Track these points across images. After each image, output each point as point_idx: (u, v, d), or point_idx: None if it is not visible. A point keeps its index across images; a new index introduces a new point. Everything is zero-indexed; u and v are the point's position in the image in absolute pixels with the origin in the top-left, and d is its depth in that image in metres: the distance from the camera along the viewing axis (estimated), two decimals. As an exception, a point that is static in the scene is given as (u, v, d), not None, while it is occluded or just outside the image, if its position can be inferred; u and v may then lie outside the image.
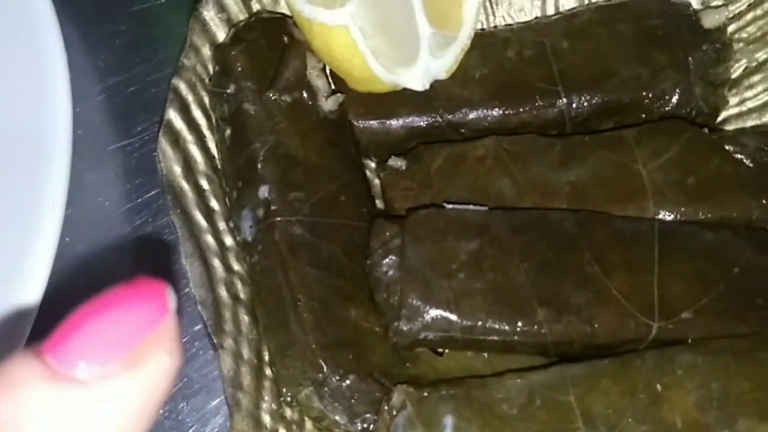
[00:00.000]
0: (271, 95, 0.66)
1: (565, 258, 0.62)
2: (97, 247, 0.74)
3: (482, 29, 0.76)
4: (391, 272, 0.62)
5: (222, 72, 0.68)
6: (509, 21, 0.78)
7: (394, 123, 0.71)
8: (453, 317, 0.60)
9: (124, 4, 0.85)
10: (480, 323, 0.60)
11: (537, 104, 0.71)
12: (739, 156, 0.67)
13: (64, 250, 0.69)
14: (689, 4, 0.74)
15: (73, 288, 0.72)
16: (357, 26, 0.64)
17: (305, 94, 0.67)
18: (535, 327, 0.60)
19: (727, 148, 0.67)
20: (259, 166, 0.65)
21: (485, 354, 0.63)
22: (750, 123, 0.73)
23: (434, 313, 0.60)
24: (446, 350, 0.64)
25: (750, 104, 0.74)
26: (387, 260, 0.62)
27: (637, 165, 0.66)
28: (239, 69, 0.67)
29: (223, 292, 0.64)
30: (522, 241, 0.62)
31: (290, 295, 0.62)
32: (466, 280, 0.60)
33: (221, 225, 0.67)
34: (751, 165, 0.67)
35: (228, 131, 0.67)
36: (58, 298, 0.70)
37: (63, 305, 0.69)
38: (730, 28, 0.74)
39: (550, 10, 0.78)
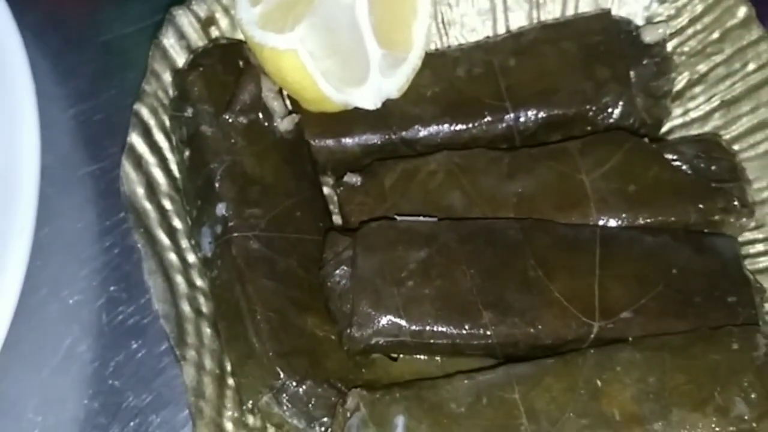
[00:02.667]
0: (227, 117, 0.70)
1: (510, 264, 0.65)
2: (67, 268, 0.77)
3: (436, 49, 0.79)
4: (343, 282, 0.65)
5: (180, 96, 0.71)
6: (462, 41, 0.81)
7: (350, 141, 0.74)
8: (402, 323, 0.63)
9: (91, 34, 0.89)
10: (428, 327, 0.63)
11: (486, 120, 0.74)
12: (677, 163, 0.70)
13: (35, 271, 0.72)
14: (630, 21, 0.77)
15: (45, 308, 0.75)
16: (306, 50, 0.67)
17: (261, 116, 0.71)
18: (481, 330, 0.63)
19: (666, 156, 0.70)
20: (217, 185, 0.68)
21: (438, 358, 0.66)
22: (693, 132, 0.76)
23: (384, 319, 0.63)
24: (400, 355, 0.67)
25: (693, 114, 0.77)
26: (339, 270, 0.65)
27: (580, 175, 0.69)
28: (196, 93, 0.71)
29: (185, 307, 0.67)
30: (469, 249, 0.65)
31: (248, 307, 0.65)
32: (414, 288, 0.63)
33: (184, 243, 0.70)
34: (689, 172, 0.70)
35: (187, 152, 0.70)
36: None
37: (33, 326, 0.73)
38: (673, 43, 0.78)
39: (501, 30, 0.81)
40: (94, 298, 0.76)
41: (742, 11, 0.75)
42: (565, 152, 0.71)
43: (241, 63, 0.72)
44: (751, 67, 0.75)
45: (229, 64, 0.72)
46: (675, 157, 0.70)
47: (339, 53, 0.69)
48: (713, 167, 0.70)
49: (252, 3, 0.70)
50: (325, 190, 0.76)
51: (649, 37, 0.76)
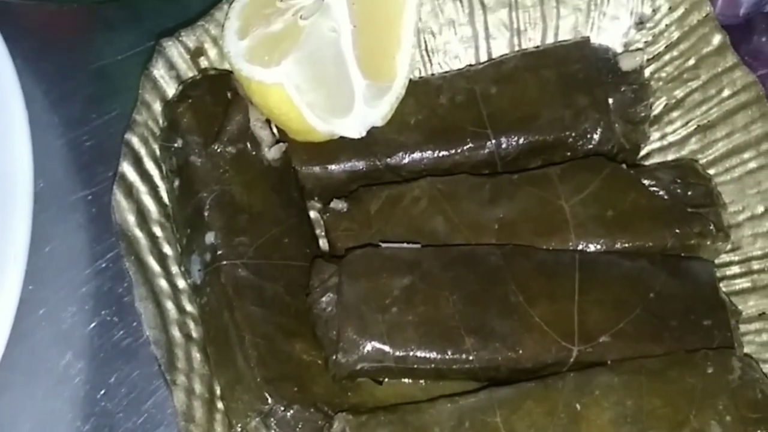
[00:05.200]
0: (216, 148, 0.72)
1: (492, 289, 0.67)
2: (60, 292, 0.79)
3: (419, 77, 0.81)
4: (329, 309, 0.66)
5: (170, 127, 0.73)
6: (445, 68, 0.83)
7: (336, 168, 0.76)
8: (387, 349, 0.65)
9: (83, 62, 0.90)
10: (412, 353, 0.65)
11: (468, 146, 0.76)
12: (654, 189, 0.72)
13: (28, 296, 0.74)
14: (608, 49, 0.79)
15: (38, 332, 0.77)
16: (292, 83, 0.69)
17: (249, 145, 0.72)
18: (464, 355, 0.65)
19: (643, 182, 0.72)
20: (206, 214, 0.70)
21: (422, 381, 0.68)
22: (671, 156, 0.78)
23: (369, 345, 0.65)
24: (385, 379, 0.69)
25: (670, 138, 0.79)
26: (325, 298, 0.67)
27: (560, 201, 0.71)
28: (186, 125, 0.72)
29: (176, 332, 0.69)
30: (451, 275, 0.67)
31: (236, 333, 0.67)
32: (398, 314, 0.65)
33: (174, 269, 0.72)
34: (665, 197, 0.71)
35: (176, 182, 0.72)
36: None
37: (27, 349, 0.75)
38: (650, 68, 0.79)
39: (483, 57, 0.83)
40: (87, 321, 0.78)
41: (717, 39, 0.77)
42: (545, 178, 0.73)
43: (229, 94, 0.74)
44: (726, 93, 0.76)
45: (217, 95, 0.74)
46: (652, 183, 0.72)
47: (324, 85, 0.71)
48: (689, 192, 0.72)
49: (239, 36, 0.71)
50: (312, 214, 0.77)
51: (626, 64, 0.77)
